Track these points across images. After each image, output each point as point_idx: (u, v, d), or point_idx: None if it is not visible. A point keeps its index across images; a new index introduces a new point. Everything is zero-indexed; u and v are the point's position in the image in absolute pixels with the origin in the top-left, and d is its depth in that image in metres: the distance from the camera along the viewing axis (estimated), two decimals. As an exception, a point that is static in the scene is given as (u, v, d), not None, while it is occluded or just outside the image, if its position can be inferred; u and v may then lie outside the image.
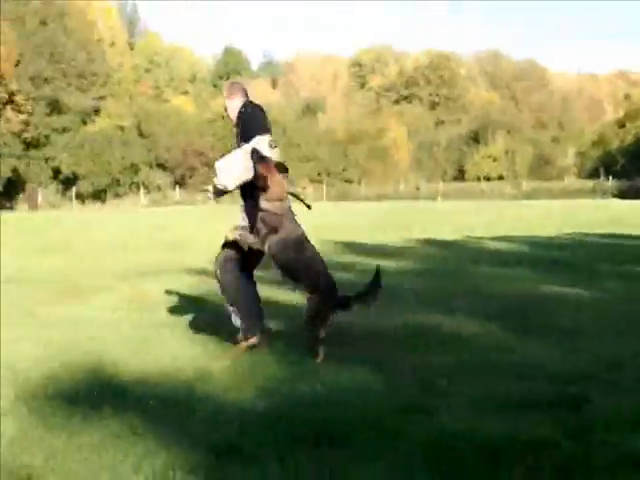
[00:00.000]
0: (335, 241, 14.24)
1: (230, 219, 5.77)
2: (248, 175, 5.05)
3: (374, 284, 5.18)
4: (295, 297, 7.38)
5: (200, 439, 3.41)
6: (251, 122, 5.27)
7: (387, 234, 16.03)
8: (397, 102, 74.03)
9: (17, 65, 55.32)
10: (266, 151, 5.13)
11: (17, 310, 6.93)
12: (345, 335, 5.61)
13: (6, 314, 6.74)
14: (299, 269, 5.03)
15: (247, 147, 5.12)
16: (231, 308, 5.27)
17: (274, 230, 4.97)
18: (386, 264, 10.53)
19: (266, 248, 5.02)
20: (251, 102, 5.43)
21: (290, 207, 5.15)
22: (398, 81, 75.58)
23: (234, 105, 5.39)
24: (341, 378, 4.46)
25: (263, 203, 4.98)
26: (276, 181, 4.99)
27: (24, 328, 5.96)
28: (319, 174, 61.45)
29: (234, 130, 5.46)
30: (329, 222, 21.84)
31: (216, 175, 5.22)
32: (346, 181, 61.46)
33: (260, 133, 5.21)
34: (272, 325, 5.90)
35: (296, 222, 5.12)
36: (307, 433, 3.48)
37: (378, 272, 5.21)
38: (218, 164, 5.27)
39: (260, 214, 4.99)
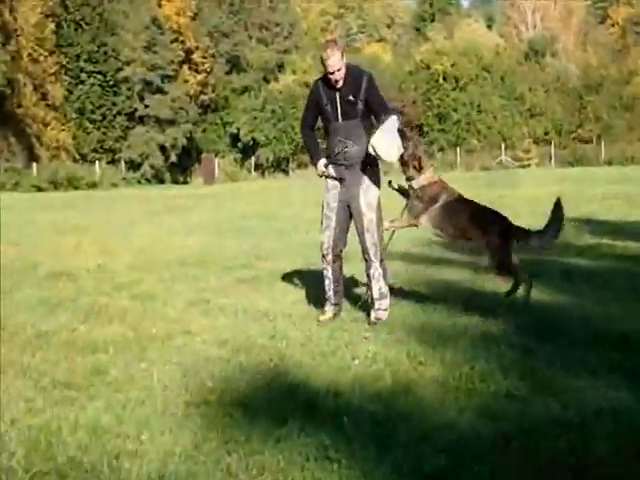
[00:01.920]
0: (570, 217, 13.45)
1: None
2: (400, 151, 6.06)
3: (555, 215, 5.96)
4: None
5: (405, 469, 3.27)
6: (381, 96, 6.19)
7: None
8: (650, 37, 69.30)
9: (194, 19, 58.81)
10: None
11: (185, 298, 7.23)
12: (585, 339, 5.22)
13: (174, 303, 7.06)
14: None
15: (391, 124, 5.96)
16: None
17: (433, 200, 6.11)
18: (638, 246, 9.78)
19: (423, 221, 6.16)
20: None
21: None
22: (651, 11, 70.63)
23: (342, 63, 5.93)
24: (588, 394, 4.14)
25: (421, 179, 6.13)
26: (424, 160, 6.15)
27: (194, 321, 6.18)
28: (547, 132, 59.10)
29: (320, 87, 6.11)
30: (563, 192, 20.75)
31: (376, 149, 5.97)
32: (581, 141, 58.48)
33: (393, 113, 6.11)
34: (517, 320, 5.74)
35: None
36: (548, 469, 3.21)
37: (559, 202, 5.93)
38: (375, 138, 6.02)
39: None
